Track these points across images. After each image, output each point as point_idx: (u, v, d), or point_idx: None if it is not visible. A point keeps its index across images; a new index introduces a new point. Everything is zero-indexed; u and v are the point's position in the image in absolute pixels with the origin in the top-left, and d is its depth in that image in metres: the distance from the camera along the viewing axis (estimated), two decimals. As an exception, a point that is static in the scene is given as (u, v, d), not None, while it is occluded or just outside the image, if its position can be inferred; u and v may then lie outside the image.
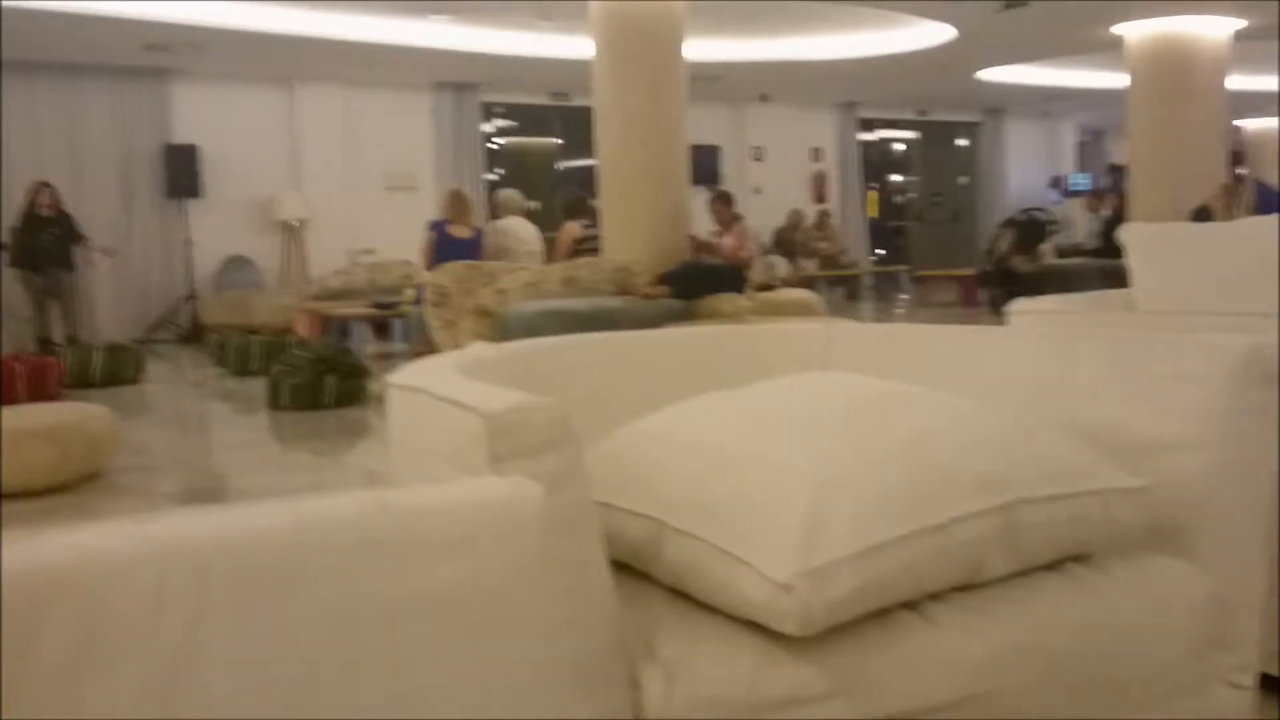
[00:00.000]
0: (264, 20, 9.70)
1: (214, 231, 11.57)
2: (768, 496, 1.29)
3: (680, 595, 1.35)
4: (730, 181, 14.10)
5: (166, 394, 7.90)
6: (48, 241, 9.54)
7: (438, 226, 8.45)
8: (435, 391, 1.30)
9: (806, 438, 1.40)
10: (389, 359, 9.28)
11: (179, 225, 11.41)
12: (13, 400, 6.60)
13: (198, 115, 11.52)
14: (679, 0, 7.61)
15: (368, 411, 6.54)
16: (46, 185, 9.75)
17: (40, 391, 6.95)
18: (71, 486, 4.51)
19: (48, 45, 9.91)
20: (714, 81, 12.59)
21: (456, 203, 8.59)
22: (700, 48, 9.77)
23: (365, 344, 9.36)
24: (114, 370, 7.93)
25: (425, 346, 7.92)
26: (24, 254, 9.51)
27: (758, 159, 15.47)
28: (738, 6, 9.69)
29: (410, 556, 0.81)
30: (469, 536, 0.84)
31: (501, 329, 6.68)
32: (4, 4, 8.41)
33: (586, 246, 8.32)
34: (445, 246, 8.23)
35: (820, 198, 16.04)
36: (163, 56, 10.60)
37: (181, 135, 11.39)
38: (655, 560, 1.37)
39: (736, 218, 8.81)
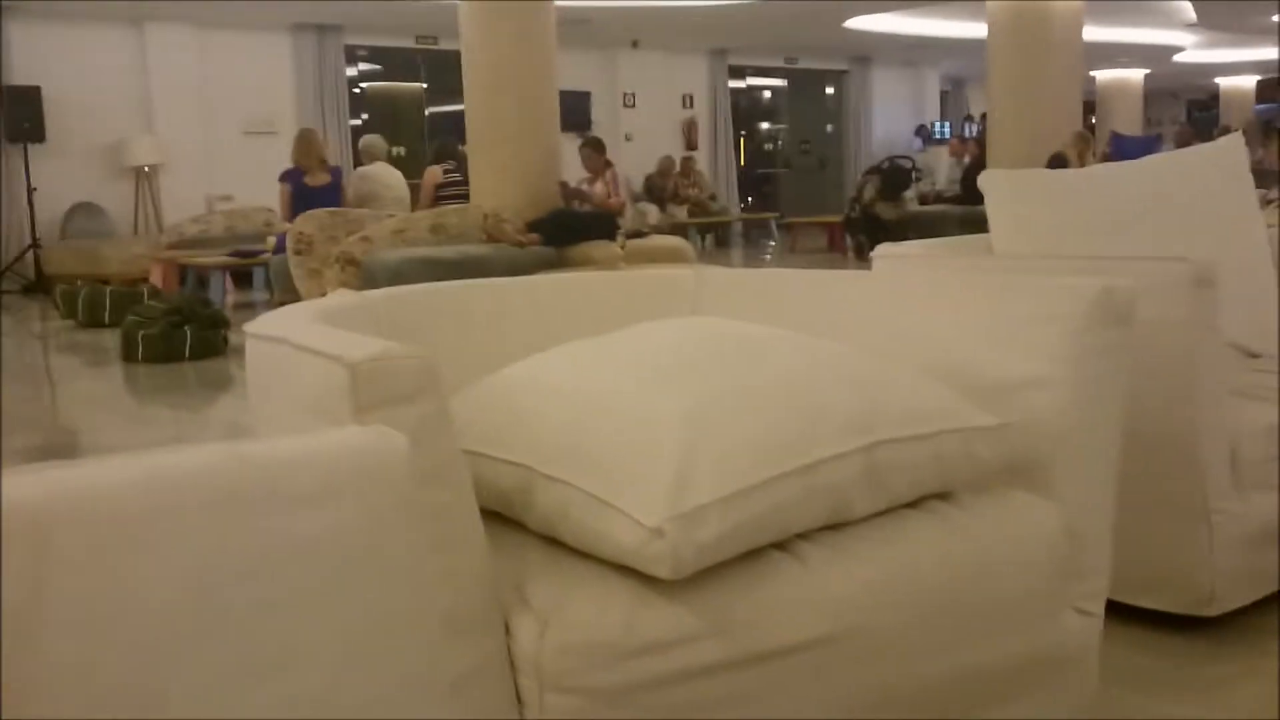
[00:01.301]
0: (108, -47, 9.21)
1: (59, 177, 11.00)
2: (637, 442, 1.29)
3: (553, 543, 1.34)
4: (602, 128, 14.02)
5: (11, 348, 7.53)
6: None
7: (292, 176, 8.16)
8: (295, 340, 1.25)
9: (675, 382, 1.40)
10: (250, 309, 9.01)
11: (20, 170, 10.81)
12: None
13: (39, 55, 10.89)
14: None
15: (228, 363, 6.35)
16: None
17: None
18: (-91, 447, 4.28)
19: None
20: (583, 26, 12.45)
21: (305, 145, 8.28)
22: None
23: (225, 294, 9.07)
24: (-47, 324, 7.52)
25: (288, 296, 7.70)
26: None
27: (629, 105, 15.40)
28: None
29: (270, 509, 0.78)
30: (331, 487, 0.81)
31: (367, 277, 6.54)
32: None
33: (450, 193, 8.21)
34: (302, 197, 7.98)
35: (691, 144, 16.08)
36: (-3, -10, 9.99)
37: (21, 76, 10.75)
38: (527, 508, 1.36)
39: (607, 164, 8.76)
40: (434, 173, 8.37)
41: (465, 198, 7.93)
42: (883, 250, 2.62)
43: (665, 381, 1.41)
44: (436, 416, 1.11)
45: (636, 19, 12.98)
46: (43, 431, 4.91)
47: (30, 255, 10.79)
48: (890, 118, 18.26)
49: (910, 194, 12.33)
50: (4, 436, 4.66)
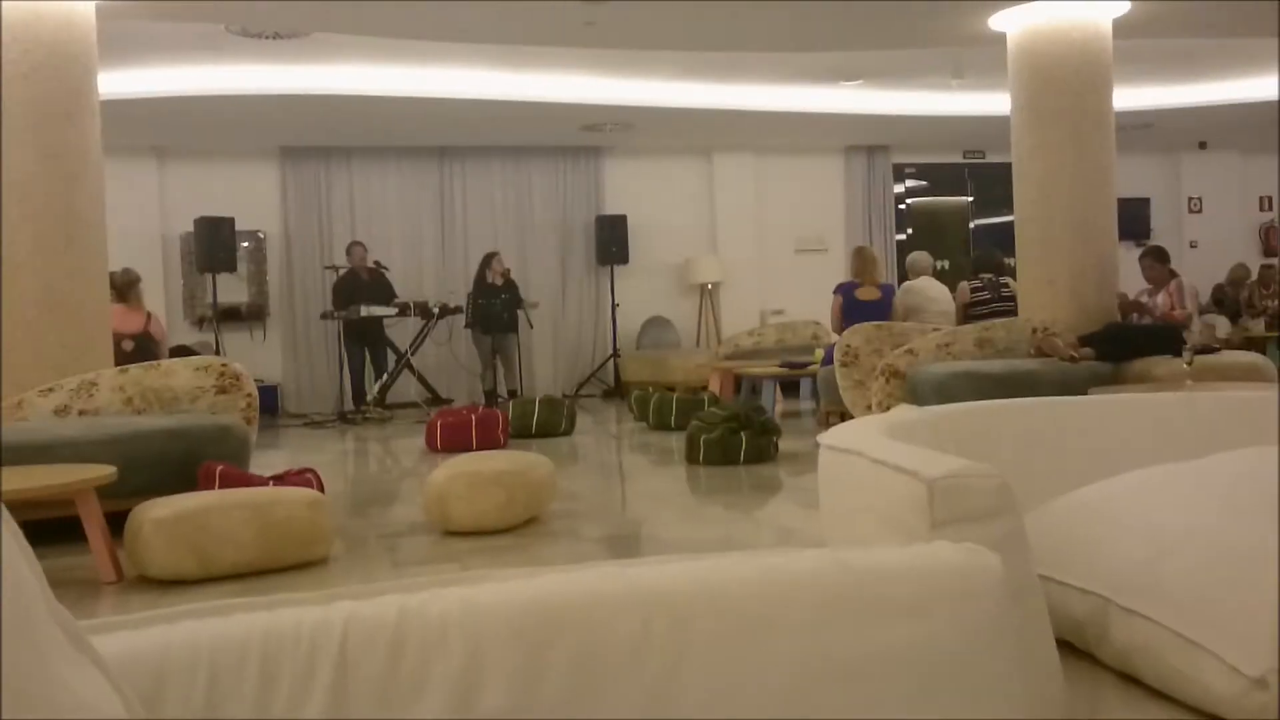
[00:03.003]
0: (687, 97, 10.32)
1: (637, 294, 12.34)
2: (1232, 580, 1.19)
3: (1128, 679, 1.28)
4: (1163, 235, 13.12)
5: (592, 445, 8.48)
6: (497, 306, 10.61)
7: (845, 290, 8.53)
8: (871, 454, 1.32)
9: (1264, 517, 1.29)
10: (796, 417, 9.43)
11: (607, 289, 12.29)
12: (466, 446, 7.39)
13: (626, 187, 12.38)
14: (1103, 19, 7.25)
15: (778, 469, 6.66)
16: (497, 255, 10.89)
17: (488, 439, 7.73)
18: (514, 528, 4.95)
19: (502, 132, 11.11)
20: (1144, 130, 11.82)
21: (861, 261, 8.65)
22: (1128, 95, 9.23)
23: (775, 403, 9.57)
24: (548, 422, 8.62)
25: (833, 407, 7.98)
26: (478, 317, 10.63)
27: (1195, 210, 14.29)
28: (1170, 49, 9.07)
29: (869, 616, 0.84)
30: (926, 600, 0.85)
31: (911, 390, 6.60)
32: (477, 97, 9.59)
33: (979, 311, 8.17)
34: (853, 309, 8.29)
35: (1270, 251, 14.50)
36: (597, 136, 11.53)
37: (611, 206, 12.29)
38: (1101, 640, 1.30)
39: (1171, 274, 8.17)
40: (963, 291, 8.47)
41: (1001, 314, 7.83)
42: None
43: (1252, 516, 1.30)
44: (1014, 536, 1.11)
45: (1204, 119, 12.07)
46: (612, 522, 5.46)
47: (611, 363, 12.17)
48: None
49: None
50: (585, 524, 5.23)
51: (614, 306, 12.23)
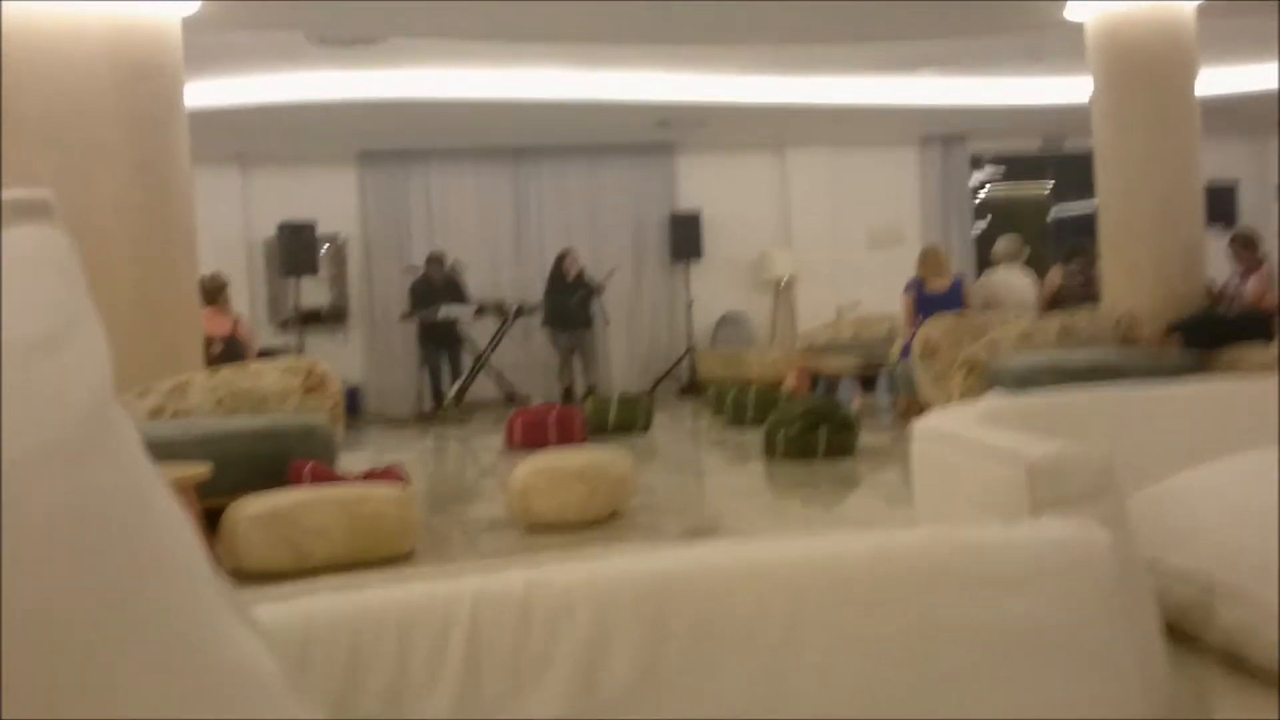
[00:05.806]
0: (759, 93, 10.31)
1: (711, 290, 12.33)
2: (1341, 560, 1.19)
3: (1234, 661, 1.27)
4: (1251, 220, 12.79)
5: (670, 441, 8.51)
6: (573, 303, 10.70)
7: (915, 285, 8.52)
8: (968, 439, 1.33)
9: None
10: (873, 412, 9.37)
11: (682, 285, 12.30)
12: (544, 443, 7.46)
13: (699, 183, 12.39)
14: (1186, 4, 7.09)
15: (856, 464, 6.63)
16: (570, 252, 10.98)
17: (566, 436, 7.80)
18: (596, 523, 5.01)
19: (575, 131, 11.20)
20: (1228, 114, 11.52)
21: (930, 259, 8.63)
22: (1213, 76, 9.01)
23: (852, 398, 9.51)
24: (626, 419, 8.66)
25: (910, 400, 7.92)
26: (553, 314, 10.73)
27: (1284, 195, 13.90)
28: (1257, 29, 8.83)
29: (978, 590, 0.85)
30: (1033, 574, 0.87)
31: (993, 383, 6.53)
32: (551, 99, 9.69)
33: (1070, 295, 8.08)
34: (924, 303, 8.27)
35: (1364, 234, 14.06)
36: (670, 132, 11.56)
37: (685, 203, 12.30)
38: (1205, 623, 1.30)
39: (1261, 261, 7.98)
40: (1052, 276, 8.41)
41: (1086, 300, 7.74)
42: None
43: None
44: (1116, 517, 1.12)
45: (1295, 100, 11.75)
46: (691, 516, 5.49)
47: (686, 360, 12.18)
48: None
49: None
50: (665, 518, 5.26)
51: (689, 303, 12.24)
